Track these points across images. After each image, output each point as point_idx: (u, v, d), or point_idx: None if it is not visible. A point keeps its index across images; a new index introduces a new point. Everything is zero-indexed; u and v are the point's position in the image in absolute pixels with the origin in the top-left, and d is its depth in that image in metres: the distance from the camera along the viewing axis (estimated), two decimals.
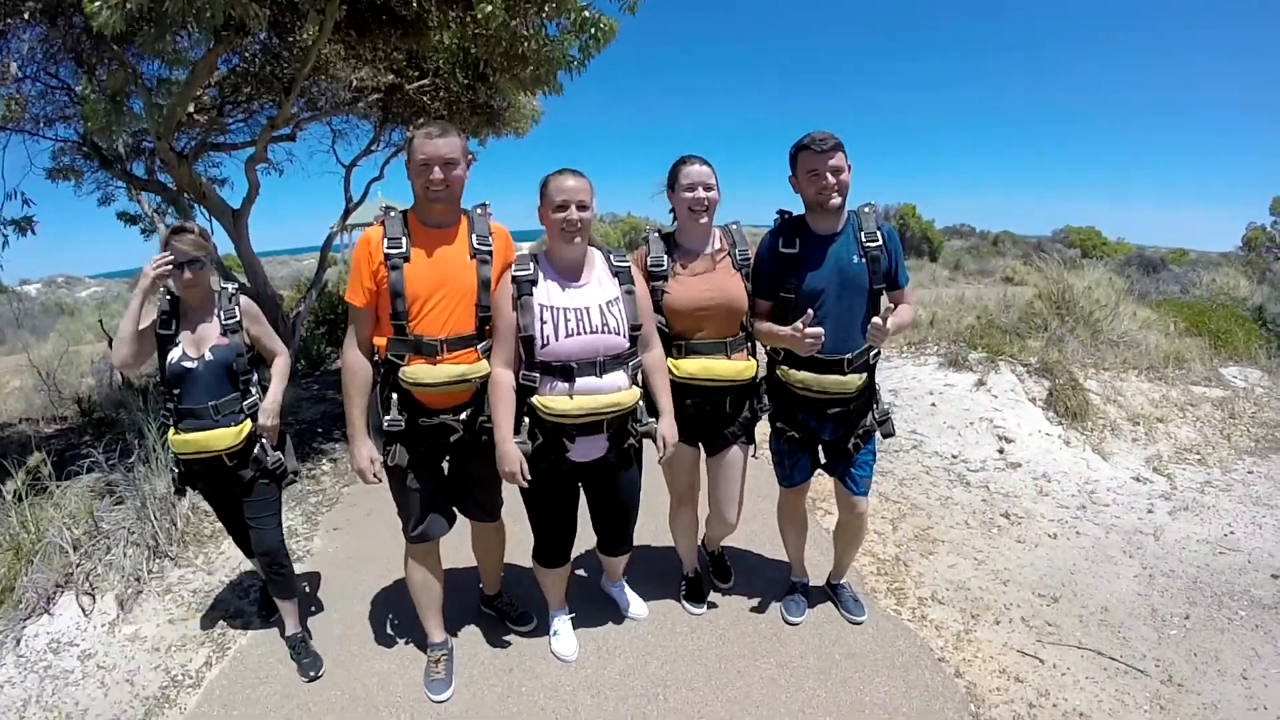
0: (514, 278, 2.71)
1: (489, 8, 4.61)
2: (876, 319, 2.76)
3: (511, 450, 2.69)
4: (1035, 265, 10.61)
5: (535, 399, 2.69)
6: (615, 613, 3.54)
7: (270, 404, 3.15)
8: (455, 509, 3.13)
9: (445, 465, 3.04)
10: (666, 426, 2.90)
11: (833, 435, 3.08)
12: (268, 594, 3.53)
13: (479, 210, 2.89)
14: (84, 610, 3.63)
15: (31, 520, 3.94)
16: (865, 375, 2.98)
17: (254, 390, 3.14)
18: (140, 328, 2.98)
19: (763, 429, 3.28)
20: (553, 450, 2.78)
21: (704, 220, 2.97)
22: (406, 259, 2.70)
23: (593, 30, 5.06)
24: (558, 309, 2.68)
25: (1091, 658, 3.18)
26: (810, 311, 2.73)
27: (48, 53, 5.84)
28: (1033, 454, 5.34)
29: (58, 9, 4.58)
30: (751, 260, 3.07)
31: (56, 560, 3.76)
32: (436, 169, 2.66)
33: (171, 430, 3.06)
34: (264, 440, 3.14)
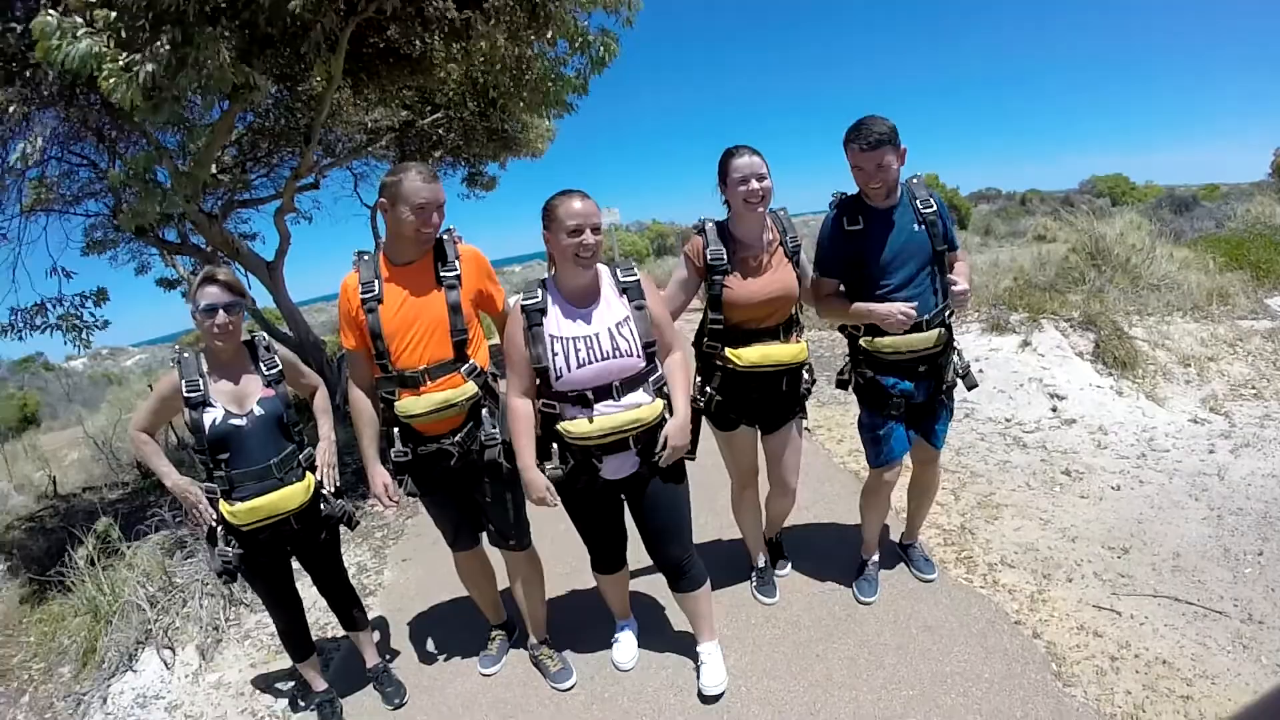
0: (523, 307, 2.68)
1: (489, 39, 4.69)
2: (960, 285, 2.91)
3: (535, 477, 2.69)
4: (1065, 219, 10.43)
5: (560, 425, 2.68)
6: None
7: (326, 441, 3.09)
8: (482, 536, 3.27)
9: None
10: (674, 428, 2.72)
11: (925, 395, 3.14)
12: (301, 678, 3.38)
13: (444, 236, 2.92)
14: (166, 663, 3.73)
15: (106, 582, 4.06)
16: (945, 331, 3.05)
17: (307, 441, 3.02)
18: (163, 393, 2.83)
19: (819, 414, 3.31)
20: (585, 470, 2.76)
21: (760, 210, 2.99)
22: (380, 300, 2.82)
23: (597, 52, 5.10)
24: (567, 339, 2.62)
25: (1169, 604, 3.14)
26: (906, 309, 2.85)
27: (68, 132, 6.03)
28: (1086, 408, 5.29)
29: (74, 88, 4.73)
30: (800, 246, 3.12)
31: (135, 618, 3.87)
32: (434, 214, 2.75)
33: (224, 503, 2.78)
34: (324, 492, 3.03)
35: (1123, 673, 2.80)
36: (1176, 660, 2.82)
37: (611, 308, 2.69)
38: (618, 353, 2.62)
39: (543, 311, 2.66)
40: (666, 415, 2.75)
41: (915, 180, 3.04)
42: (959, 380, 3.17)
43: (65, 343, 6.46)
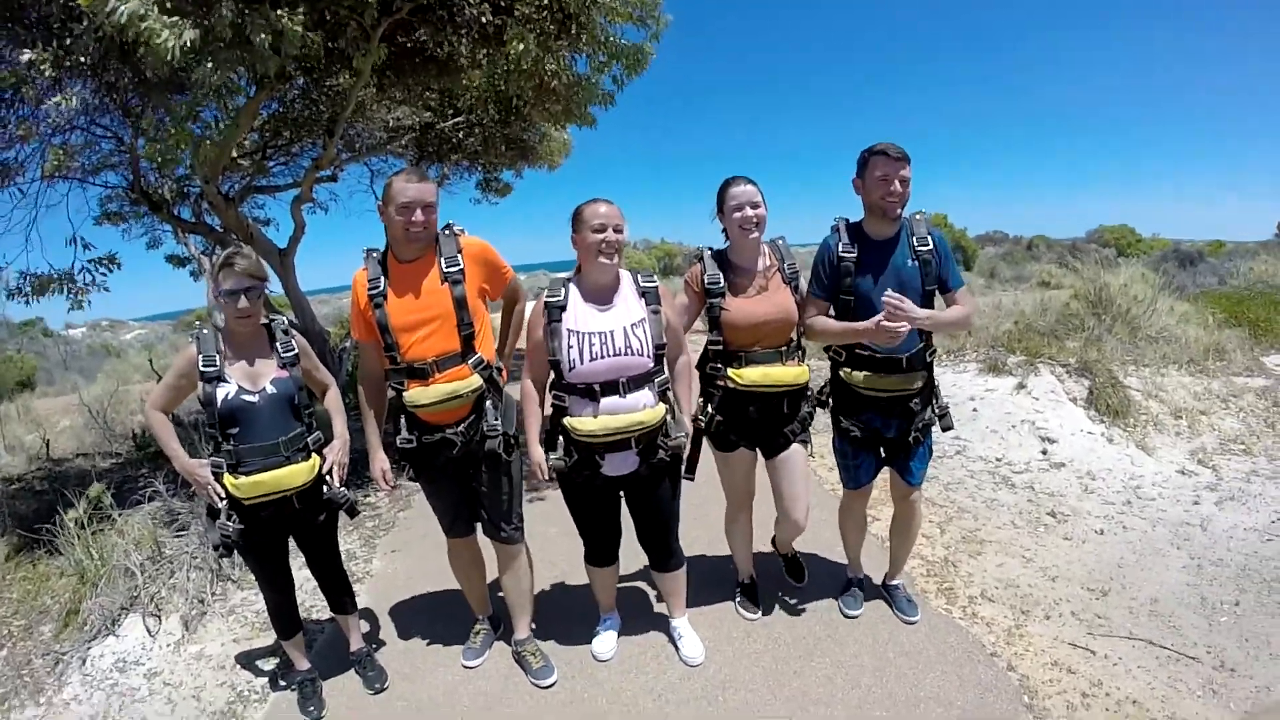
0: (545, 303, 2.87)
1: (521, 45, 4.77)
2: (890, 291, 2.86)
3: (536, 452, 2.97)
4: (1071, 267, 10.54)
5: (566, 420, 2.86)
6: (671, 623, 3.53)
7: (340, 441, 3.15)
8: (477, 526, 3.33)
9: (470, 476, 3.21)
10: (687, 422, 3.06)
11: (896, 433, 3.20)
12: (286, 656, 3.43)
13: (445, 232, 3.01)
14: (149, 631, 3.75)
15: (95, 546, 4.09)
16: (925, 372, 3.14)
17: (316, 425, 3.06)
18: (181, 369, 2.88)
19: (820, 438, 3.37)
20: (587, 466, 2.93)
21: (754, 236, 3.11)
22: (385, 296, 2.93)
23: (636, 57, 5.16)
24: (583, 333, 2.82)
25: (1143, 647, 3.19)
26: (888, 295, 2.84)
27: (96, 103, 6.08)
28: (1076, 453, 5.35)
29: (106, 57, 4.78)
30: (798, 273, 3.21)
31: (122, 584, 3.89)
32: (418, 211, 2.84)
33: (228, 476, 2.83)
34: (328, 476, 3.05)
35: (1093, 709, 2.85)
36: (1147, 701, 2.87)
37: (630, 308, 2.89)
38: (630, 351, 2.81)
39: (562, 308, 2.86)
40: (669, 420, 2.96)
41: (918, 217, 3.11)
42: (936, 420, 3.23)
43: (66, 299, 6.44)
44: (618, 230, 2.82)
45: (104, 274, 6.52)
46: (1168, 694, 2.90)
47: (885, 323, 2.84)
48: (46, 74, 4.34)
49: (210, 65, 3.95)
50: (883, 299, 2.84)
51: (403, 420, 3.05)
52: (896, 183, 2.94)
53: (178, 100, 4.73)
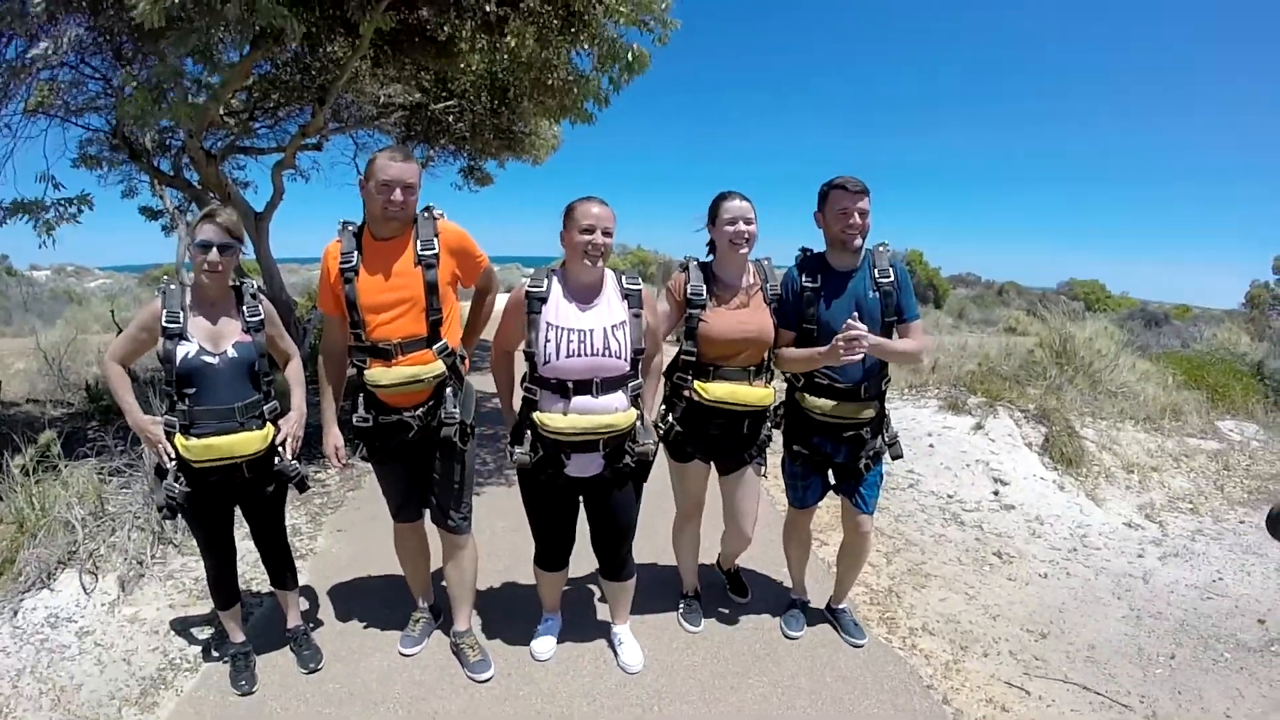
0: (527, 292, 2.83)
1: (520, 38, 4.75)
2: (851, 318, 2.87)
3: (509, 415, 3.04)
4: (1039, 315, 10.72)
5: (535, 415, 2.82)
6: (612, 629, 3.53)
7: (297, 413, 3.10)
8: (426, 511, 3.30)
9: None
10: (647, 420, 3.03)
11: (846, 458, 3.23)
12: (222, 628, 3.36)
13: (424, 214, 2.97)
14: (85, 588, 3.66)
15: (38, 496, 4.00)
16: (878, 402, 3.18)
17: (274, 394, 3.00)
18: (144, 322, 2.84)
19: (772, 458, 3.40)
20: (551, 464, 2.90)
21: (743, 252, 3.13)
22: (356, 272, 2.89)
23: (627, 59, 5.16)
24: (562, 329, 2.78)
25: (1077, 692, 3.23)
26: (850, 321, 2.85)
27: (88, 42, 5.96)
28: (1027, 497, 5.42)
29: (101, 2, 4.70)
30: (780, 296, 3.22)
31: (61, 537, 3.80)
32: (398, 191, 2.80)
33: (180, 437, 2.78)
34: (280, 448, 3.00)
35: None
36: None
37: (612, 309, 2.86)
38: (608, 352, 2.78)
39: (543, 300, 2.81)
40: (639, 425, 2.93)
41: (881, 249, 3.18)
42: (886, 449, 3.27)
43: (35, 227, 6.24)
44: (606, 234, 2.77)
45: (76, 212, 6.36)
46: None
47: (838, 341, 2.83)
48: (40, 8, 4.26)
49: (185, 39, 3.89)
50: (845, 324, 2.86)
51: (361, 399, 3.01)
52: (855, 215, 3.00)
53: (170, 51, 4.66)
